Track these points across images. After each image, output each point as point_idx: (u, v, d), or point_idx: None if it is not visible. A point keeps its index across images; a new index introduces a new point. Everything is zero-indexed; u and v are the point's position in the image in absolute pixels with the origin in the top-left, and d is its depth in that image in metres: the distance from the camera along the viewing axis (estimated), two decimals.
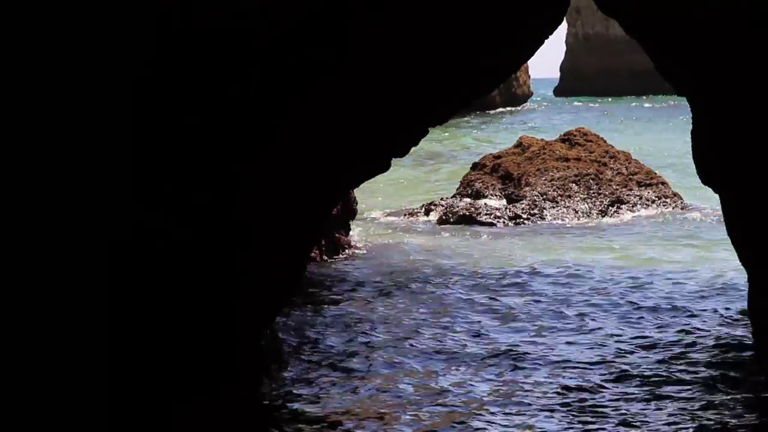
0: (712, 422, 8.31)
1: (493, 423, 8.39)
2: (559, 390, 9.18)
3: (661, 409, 8.63)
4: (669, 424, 8.30)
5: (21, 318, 6.79)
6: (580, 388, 9.21)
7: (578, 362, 10.07)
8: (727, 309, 12.26)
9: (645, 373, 9.64)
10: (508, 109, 68.35)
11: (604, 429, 8.22)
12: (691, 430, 8.18)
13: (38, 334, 6.84)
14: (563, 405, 8.76)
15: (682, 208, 21.36)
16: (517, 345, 10.78)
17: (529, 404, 8.78)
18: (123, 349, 7.15)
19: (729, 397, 8.89)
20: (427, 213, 21.39)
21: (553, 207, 21.07)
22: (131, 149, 6.94)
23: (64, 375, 6.91)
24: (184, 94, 7.10)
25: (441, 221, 20.66)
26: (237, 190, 7.46)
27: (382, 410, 8.69)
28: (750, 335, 10.78)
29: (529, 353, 10.42)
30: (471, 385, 9.38)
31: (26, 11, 6.68)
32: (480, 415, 8.57)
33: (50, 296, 6.85)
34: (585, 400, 8.91)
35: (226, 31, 7.14)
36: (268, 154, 7.62)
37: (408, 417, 8.54)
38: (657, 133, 44.96)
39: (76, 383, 6.93)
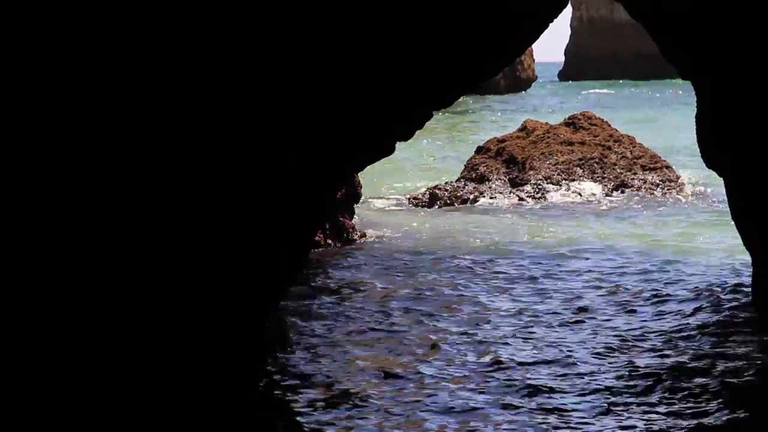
0: (713, 410, 8.34)
1: (493, 409, 8.43)
2: (558, 375, 9.21)
3: (661, 392, 8.65)
4: (670, 408, 8.33)
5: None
6: (576, 375, 9.24)
7: (575, 343, 10.11)
8: (730, 292, 12.25)
9: (648, 360, 9.66)
10: (513, 92, 68.36)
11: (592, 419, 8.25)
12: (692, 417, 8.20)
13: (72, 320, 6.90)
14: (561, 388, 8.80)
15: (688, 192, 21.35)
16: (520, 330, 10.80)
17: (528, 387, 8.81)
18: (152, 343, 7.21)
19: (731, 382, 8.91)
20: (431, 197, 21.39)
21: (558, 191, 21.07)
22: (144, 144, 6.98)
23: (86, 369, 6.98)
24: (193, 82, 7.13)
25: (445, 205, 20.67)
26: (252, 174, 7.50)
27: (387, 392, 8.72)
28: (753, 317, 10.79)
29: (531, 338, 10.45)
30: (475, 369, 9.40)
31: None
32: (481, 404, 8.61)
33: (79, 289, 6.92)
34: (580, 384, 8.95)
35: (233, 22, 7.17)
36: (281, 138, 7.65)
37: (412, 399, 8.57)
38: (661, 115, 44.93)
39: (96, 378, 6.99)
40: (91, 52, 6.76)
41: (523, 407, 8.33)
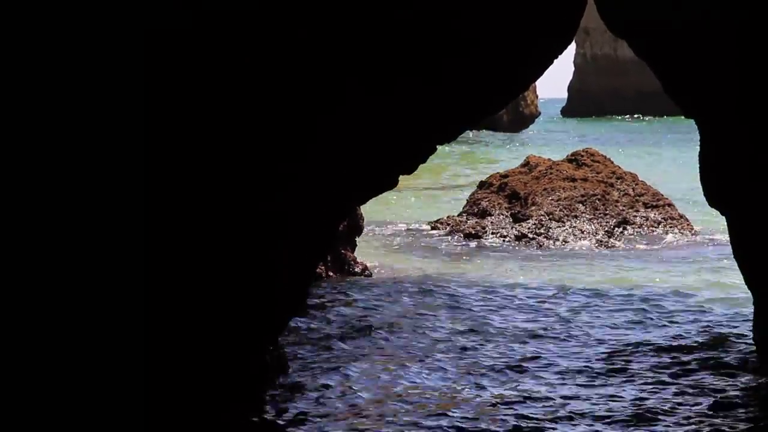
0: None
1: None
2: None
3: None
4: None
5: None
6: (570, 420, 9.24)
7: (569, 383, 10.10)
8: (732, 333, 12.23)
9: (647, 404, 9.65)
10: (516, 127, 68.46)
11: None
12: None
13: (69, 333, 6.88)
14: None
15: (690, 231, 21.36)
16: (518, 364, 10.81)
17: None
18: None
19: (732, 423, 8.90)
20: (433, 230, 21.42)
21: (560, 227, 21.09)
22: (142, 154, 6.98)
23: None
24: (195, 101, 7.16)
25: (447, 239, 20.70)
26: (258, 197, 7.52)
27: (388, 425, 8.71)
28: (755, 359, 10.78)
29: (520, 370, 10.45)
30: (473, 399, 9.40)
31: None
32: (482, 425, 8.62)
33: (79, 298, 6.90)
34: None
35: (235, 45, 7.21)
36: (289, 163, 7.68)
37: (409, 419, 8.57)
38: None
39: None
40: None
41: None
